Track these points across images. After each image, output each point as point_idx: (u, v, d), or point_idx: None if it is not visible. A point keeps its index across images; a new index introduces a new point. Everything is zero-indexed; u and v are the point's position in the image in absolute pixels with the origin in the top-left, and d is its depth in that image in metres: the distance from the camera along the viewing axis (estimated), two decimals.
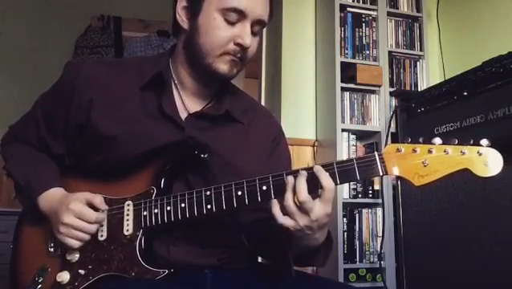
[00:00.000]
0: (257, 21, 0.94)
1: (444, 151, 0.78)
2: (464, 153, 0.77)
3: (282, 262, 0.93)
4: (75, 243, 0.90)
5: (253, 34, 0.96)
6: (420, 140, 0.80)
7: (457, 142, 0.78)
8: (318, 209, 0.80)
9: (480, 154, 0.76)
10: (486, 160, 0.76)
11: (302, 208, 0.79)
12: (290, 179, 0.81)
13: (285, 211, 0.81)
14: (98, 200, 0.91)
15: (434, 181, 0.79)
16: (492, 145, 0.77)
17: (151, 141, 0.95)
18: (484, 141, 0.77)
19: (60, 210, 0.90)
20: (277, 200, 0.83)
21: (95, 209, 0.91)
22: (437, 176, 0.78)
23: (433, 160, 0.78)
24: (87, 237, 0.90)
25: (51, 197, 0.95)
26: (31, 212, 0.98)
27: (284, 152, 1.13)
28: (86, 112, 0.97)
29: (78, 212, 0.89)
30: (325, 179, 0.79)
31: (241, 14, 0.92)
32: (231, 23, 0.92)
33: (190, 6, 0.96)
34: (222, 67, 0.95)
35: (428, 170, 0.78)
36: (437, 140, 0.79)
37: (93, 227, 0.90)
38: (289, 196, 0.80)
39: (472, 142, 0.77)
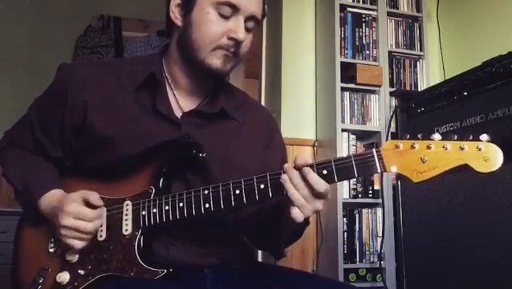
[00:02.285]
0: (250, 16, 0.95)
1: (443, 147, 0.76)
2: (463, 149, 0.76)
3: (276, 247, 0.97)
4: (78, 243, 0.90)
5: (247, 30, 0.96)
6: (419, 136, 0.79)
7: (456, 138, 0.77)
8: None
9: (479, 149, 0.75)
10: (486, 156, 0.75)
11: (319, 195, 0.80)
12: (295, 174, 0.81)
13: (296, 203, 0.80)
14: (94, 197, 0.91)
15: (433, 177, 0.77)
16: (492, 140, 0.76)
17: (148, 140, 0.95)
18: (484, 136, 0.76)
19: (58, 214, 0.90)
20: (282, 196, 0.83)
21: (93, 206, 0.91)
22: (436, 172, 0.77)
23: (432, 157, 0.77)
24: (87, 237, 0.90)
25: (52, 198, 0.95)
26: (31, 215, 0.98)
27: (279, 142, 1.13)
28: (81, 114, 0.97)
29: (76, 213, 0.89)
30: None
31: (235, 9, 0.92)
32: (225, 17, 0.93)
33: (184, 3, 0.96)
34: (215, 62, 0.95)
35: (426, 166, 0.77)
36: (436, 136, 0.77)
37: (91, 225, 0.89)
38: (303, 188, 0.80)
39: (471, 138, 0.76)
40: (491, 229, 1.55)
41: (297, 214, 0.80)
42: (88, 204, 0.91)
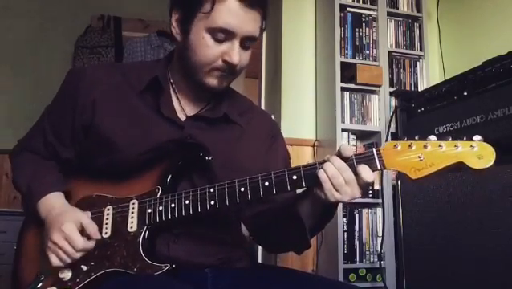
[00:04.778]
0: (246, 37, 0.95)
1: (439, 146, 0.81)
2: (457, 147, 0.80)
3: (299, 239, 0.96)
4: (56, 261, 0.91)
5: (245, 48, 0.97)
6: (416, 137, 0.84)
7: (450, 139, 0.82)
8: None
9: (473, 148, 0.80)
10: (479, 153, 0.79)
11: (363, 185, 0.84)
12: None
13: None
14: (92, 229, 0.92)
15: (430, 174, 0.82)
16: (484, 141, 0.81)
17: (151, 140, 0.97)
18: (476, 137, 0.81)
19: (53, 227, 0.91)
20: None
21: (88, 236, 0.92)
22: (433, 169, 0.81)
23: (428, 155, 0.82)
24: (68, 260, 0.90)
25: (51, 205, 0.96)
26: (33, 218, 0.99)
27: (281, 146, 1.15)
28: (89, 114, 0.99)
29: (67, 235, 0.90)
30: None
31: (229, 33, 0.93)
32: (219, 41, 0.93)
33: (182, 21, 0.97)
34: (212, 81, 0.97)
35: (423, 164, 0.82)
36: (432, 137, 0.83)
37: (77, 255, 0.90)
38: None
39: (465, 139, 0.81)
40: (491, 228, 1.55)
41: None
42: (84, 232, 0.92)
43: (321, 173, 0.83)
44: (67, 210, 0.95)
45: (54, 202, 0.97)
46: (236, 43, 0.94)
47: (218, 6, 0.90)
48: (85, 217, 0.93)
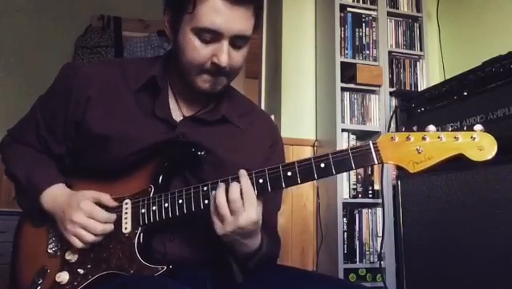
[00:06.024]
0: (236, 36, 0.91)
1: (438, 137, 0.78)
2: (457, 139, 0.77)
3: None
4: (78, 243, 0.90)
5: (237, 47, 0.93)
6: (414, 128, 0.80)
7: (450, 129, 0.78)
8: (245, 214, 0.83)
9: (473, 139, 0.76)
10: (480, 145, 0.76)
11: (231, 209, 0.83)
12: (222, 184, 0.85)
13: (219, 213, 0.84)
14: (105, 198, 0.92)
15: (429, 167, 0.78)
16: (486, 131, 0.77)
17: (142, 141, 0.96)
18: (477, 126, 0.77)
19: (69, 208, 0.91)
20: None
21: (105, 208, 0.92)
22: (432, 162, 0.78)
23: (427, 147, 0.78)
24: (92, 238, 0.90)
25: (55, 193, 0.95)
26: (34, 210, 0.98)
27: (280, 155, 1.14)
28: (82, 110, 0.98)
29: (89, 211, 0.89)
30: (245, 185, 0.84)
31: (216, 33, 0.89)
32: (207, 42, 0.90)
33: (172, 22, 0.95)
34: (203, 85, 0.95)
35: (422, 157, 0.78)
36: (431, 128, 0.79)
37: (101, 227, 0.90)
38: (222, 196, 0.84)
39: (465, 129, 0.78)
40: (491, 228, 1.55)
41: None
42: (100, 205, 0.92)
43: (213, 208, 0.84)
44: (75, 192, 0.94)
45: (58, 191, 0.96)
46: (225, 43, 0.90)
47: (201, 6, 0.87)
48: (93, 192, 0.93)
